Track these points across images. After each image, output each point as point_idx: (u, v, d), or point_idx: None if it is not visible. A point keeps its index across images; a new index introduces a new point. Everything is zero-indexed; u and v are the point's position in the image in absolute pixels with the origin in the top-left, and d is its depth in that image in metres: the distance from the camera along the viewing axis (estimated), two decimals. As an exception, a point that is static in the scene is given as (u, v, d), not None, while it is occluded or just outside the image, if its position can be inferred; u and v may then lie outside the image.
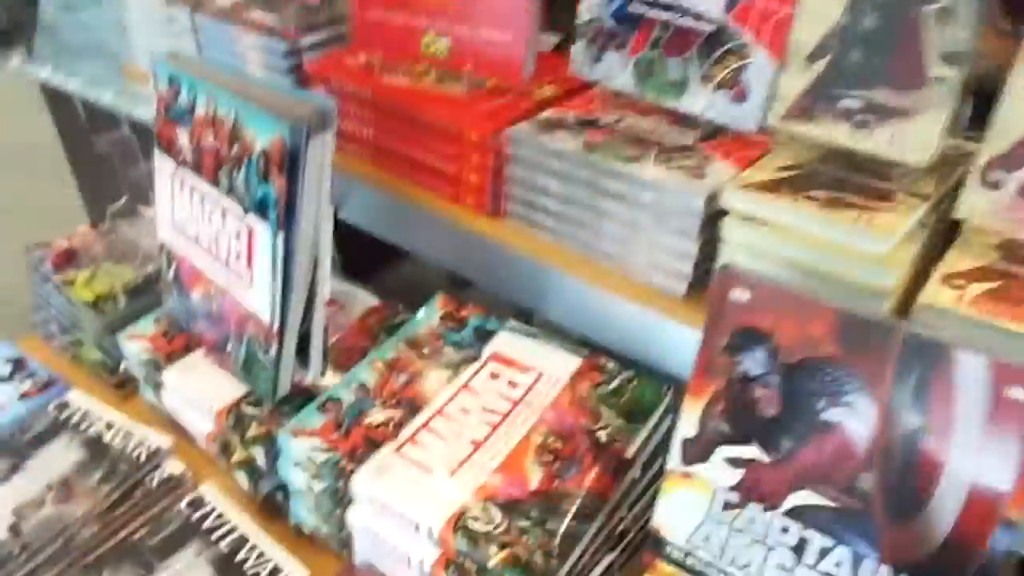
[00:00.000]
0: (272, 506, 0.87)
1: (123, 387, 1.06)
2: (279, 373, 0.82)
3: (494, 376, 0.84)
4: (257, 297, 0.81)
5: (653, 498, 0.81)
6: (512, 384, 0.83)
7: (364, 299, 1.01)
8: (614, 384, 0.82)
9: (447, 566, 0.70)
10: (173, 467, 0.93)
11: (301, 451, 0.78)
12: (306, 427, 0.79)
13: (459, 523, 0.69)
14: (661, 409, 0.79)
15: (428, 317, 0.93)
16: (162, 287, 0.96)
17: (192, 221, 0.87)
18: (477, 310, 0.93)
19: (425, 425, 0.79)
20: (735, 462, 0.62)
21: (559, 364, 0.85)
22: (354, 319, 0.98)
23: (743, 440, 0.61)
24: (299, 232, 0.76)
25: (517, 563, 0.67)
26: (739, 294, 0.58)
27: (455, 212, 0.89)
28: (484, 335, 0.89)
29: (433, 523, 0.70)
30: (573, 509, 0.70)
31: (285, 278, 0.77)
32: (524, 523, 0.69)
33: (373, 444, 0.77)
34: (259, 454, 0.83)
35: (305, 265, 0.79)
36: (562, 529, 0.69)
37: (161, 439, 0.94)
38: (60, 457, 0.92)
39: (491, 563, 0.67)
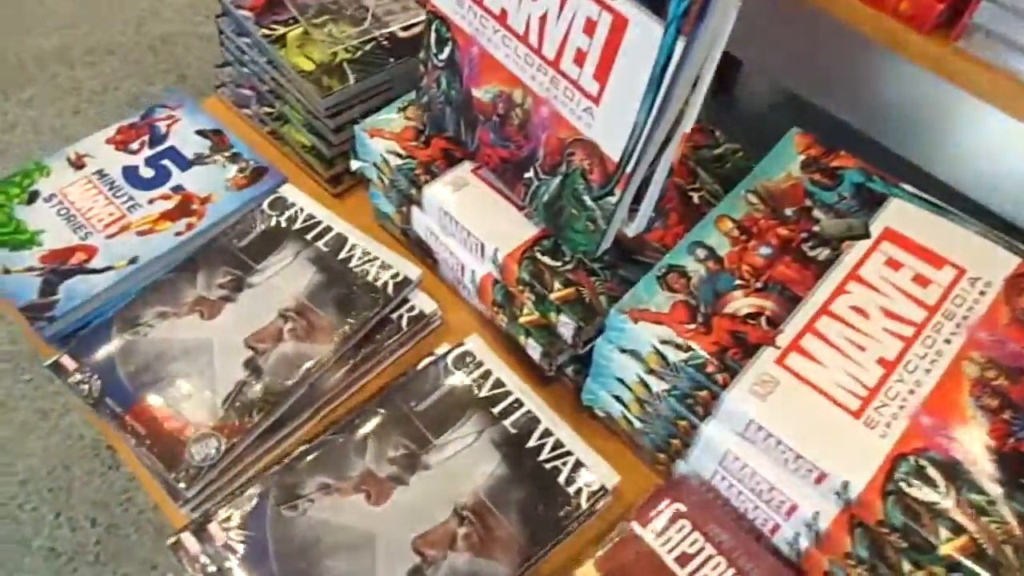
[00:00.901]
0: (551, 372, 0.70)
1: (337, 182, 0.87)
2: (610, 224, 0.61)
3: (893, 265, 0.62)
4: (605, 121, 0.57)
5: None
6: (921, 280, 0.61)
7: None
8: (1072, 303, 0.59)
9: (852, 529, 0.53)
10: (424, 304, 0.75)
11: (644, 340, 0.58)
12: (649, 307, 0.59)
13: (888, 486, 0.51)
14: None
15: (783, 161, 0.68)
16: (423, 70, 0.72)
17: (498, -11, 0.61)
18: (851, 160, 0.68)
19: (810, 326, 0.58)
20: None
21: (986, 260, 0.61)
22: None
23: None
24: (702, 39, 0.51)
25: (979, 555, 0.49)
26: None
27: (873, 21, 0.61)
28: (868, 199, 0.66)
29: (853, 479, 0.52)
30: (1053, 491, 0.51)
31: (663, 102, 0.53)
32: (977, 497, 0.51)
33: (743, 344, 0.57)
34: (564, 322, 0.64)
35: (686, 87, 0.54)
36: (1043, 519, 0.50)
37: (409, 267, 0.75)
38: (289, 275, 0.74)
39: (943, 550, 0.49)
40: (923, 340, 0.58)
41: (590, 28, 0.55)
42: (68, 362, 0.68)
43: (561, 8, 0.56)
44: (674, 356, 0.57)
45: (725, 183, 0.71)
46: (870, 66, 0.65)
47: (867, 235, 0.63)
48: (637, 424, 0.65)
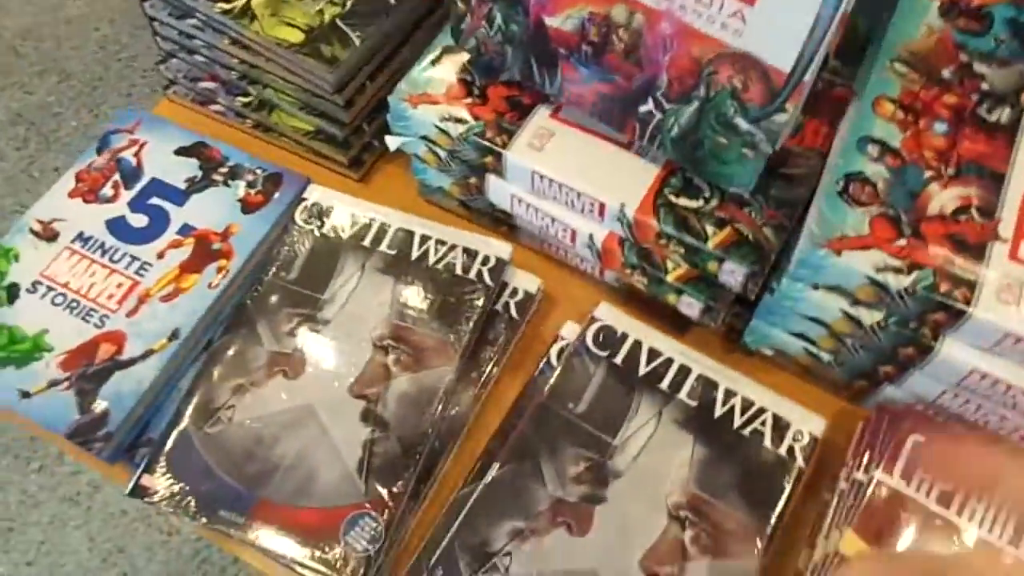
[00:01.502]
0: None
1: (359, 164, 0.72)
2: (774, 145, 0.50)
3: (1082, 105, 0.53)
4: (765, 25, 0.45)
5: None
6: (1119, 115, 0.53)
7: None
8: None
9: None
10: (525, 282, 0.64)
11: (854, 272, 0.49)
12: (847, 232, 0.50)
13: None
14: None
15: (916, 13, 0.58)
16: (461, 8, 0.57)
17: None
18: (988, -9, 0.58)
19: (1027, 204, 0.50)
20: None
21: None
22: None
23: None
24: None
25: None
26: None
27: None
28: (1026, 35, 0.56)
29: None
30: None
31: (853, -14, 0.42)
32: None
33: (965, 247, 0.49)
34: (730, 270, 0.54)
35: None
36: None
37: (496, 246, 0.64)
38: (364, 296, 0.62)
39: None
40: None
41: (733, -91, 0.42)
42: (151, 482, 0.56)
43: None
44: (895, 283, 0.48)
45: (839, 53, 0.60)
46: None
47: (1040, 79, 0.54)
48: (826, 358, 0.57)
